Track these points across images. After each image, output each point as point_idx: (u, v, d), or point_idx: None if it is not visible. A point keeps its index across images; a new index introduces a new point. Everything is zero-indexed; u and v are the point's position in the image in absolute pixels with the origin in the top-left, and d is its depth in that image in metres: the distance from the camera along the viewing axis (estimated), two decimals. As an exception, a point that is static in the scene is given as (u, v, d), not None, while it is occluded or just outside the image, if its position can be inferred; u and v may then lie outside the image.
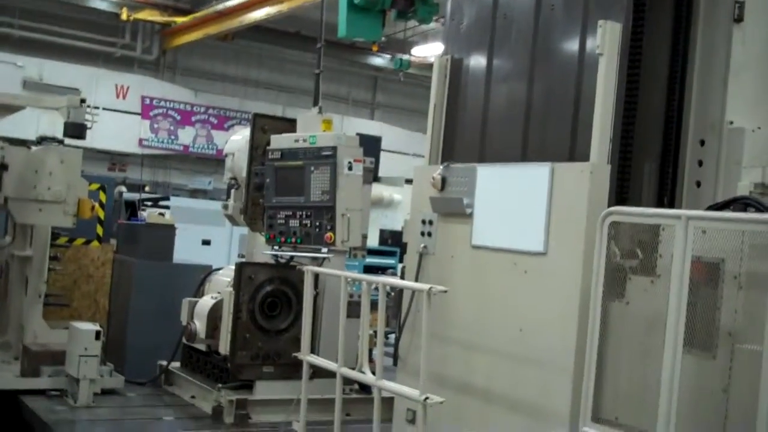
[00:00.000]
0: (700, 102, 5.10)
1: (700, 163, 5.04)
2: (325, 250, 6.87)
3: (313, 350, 6.22)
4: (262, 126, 7.58)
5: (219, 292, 7.47)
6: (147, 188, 19.62)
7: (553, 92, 5.45)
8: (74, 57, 22.46)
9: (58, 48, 22.36)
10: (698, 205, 4.81)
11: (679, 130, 5.15)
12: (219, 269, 8.16)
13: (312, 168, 6.88)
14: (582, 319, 4.54)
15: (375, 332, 5.44)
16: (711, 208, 4.41)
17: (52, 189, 7.54)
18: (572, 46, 5.35)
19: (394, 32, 20.99)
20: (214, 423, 6.85)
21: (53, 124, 11.12)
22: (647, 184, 5.14)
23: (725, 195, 4.72)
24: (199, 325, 7.44)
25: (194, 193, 22.90)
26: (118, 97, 22.96)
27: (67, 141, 8.04)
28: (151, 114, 23.49)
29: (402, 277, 6.54)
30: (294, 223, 7.00)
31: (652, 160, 5.17)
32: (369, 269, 13.47)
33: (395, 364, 6.07)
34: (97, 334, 6.98)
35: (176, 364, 7.92)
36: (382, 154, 18.76)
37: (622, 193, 5.03)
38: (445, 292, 4.72)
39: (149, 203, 14.80)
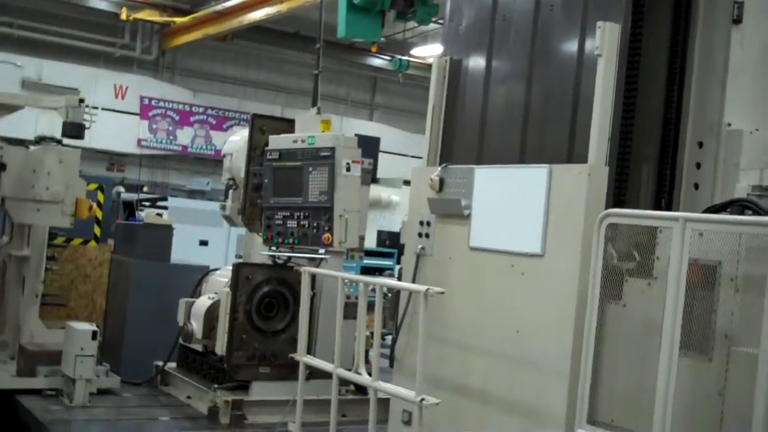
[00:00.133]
0: (699, 104, 5.09)
1: (698, 165, 5.04)
2: (322, 251, 6.85)
3: (310, 351, 6.22)
4: (261, 126, 7.57)
5: (216, 293, 7.46)
6: (145, 188, 19.61)
7: (552, 94, 5.45)
8: (73, 57, 22.43)
9: (57, 48, 22.34)
10: (696, 208, 4.80)
11: (677, 131, 5.15)
12: (216, 270, 8.16)
13: (310, 169, 6.87)
14: (579, 321, 4.54)
15: (372, 333, 5.42)
16: (708, 210, 4.41)
17: (51, 189, 7.53)
18: (571, 47, 5.35)
19: (394, 33, 20.98)
20: (210, 423, 6.83)
21: (52, 124, 11.09)
22: (645, 186, 5.14)
23: (723, 197, 4.72)
24: (196, 326, 7.43)
25: (192, 194, 22.90)
26: (116, 97, 22.92)
27: (66, 141, 8.03)
28: (150, 114, 23.46)
29: (399, 279, 6.53)
30: (292, 223, 6.99)
31: (650, 161, 5.17)
32: (366, 270, 13.48)
33: (392, 365, 6.06)
34: (94, 334, 6.97)
35: (172, 365, 7.91)
36: (381, 155, 18.80)
37: (619, 195, 5.03)
38: (442, 293, 4.71)
39: (147, 203, 14.79)
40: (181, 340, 7.65)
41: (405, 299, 5.95)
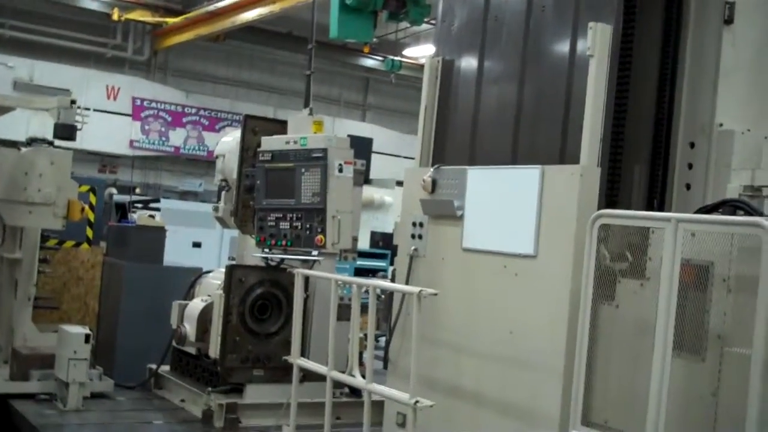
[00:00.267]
0: (690, 104, 5.10)
1: (690, 166, 5.05)
2: (315, 252, 6.84)
3: (303, 353, 6.20)
4: (253, 128, 7.55)
5: (209, 295, 7.44)
6: (137, 190, 19.57)
7: (544, 94, 5.45)
8: (65, 57, 22.39)
9: (49, 48, 22.28)
10: (688, 208, 4.81)
11: (669, 132, 5.17)
12: (209, 272, 8.13)
13: (302, 170, 6.85)
14: (572, 322, 4.54)
15: (365, 335, 5.42)
16: (700, 210, 4.41)
17: (42, 191, 7.50)
18: (563, 48, 5.35)
19: (386, 33, 20.98)
20: (204, 427, 6.82)
21: (43, 126, 11.04)
22: (637, 186, 5.15)
23: (715, 197, 4.73)
24: (189, 328, 7.41)
25: (185, 195, 22.86)
26: (108, 98, 22.87)
27: (57, 142, 8.00)
28: (142, 115, 23.42)
29: (392, 280, 6.53)
30: (284, 225, 6.97)
31: (642, 162, 5.18)
32: (360, 272, 13.45)
33: (385, 367, 6.06)
34: (87, 338, 6.94)
35: (166, 368, 7.89)
36: (374, 156, 18.80)
37: (612, 195, 5.04)
38: (435, 295, 4.72)
39: (139, 205, 14.77)
40: (174, 343, 7.63)
41: (398, 301, 5.95)
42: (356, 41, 16.54)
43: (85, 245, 9.94)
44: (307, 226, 6.80)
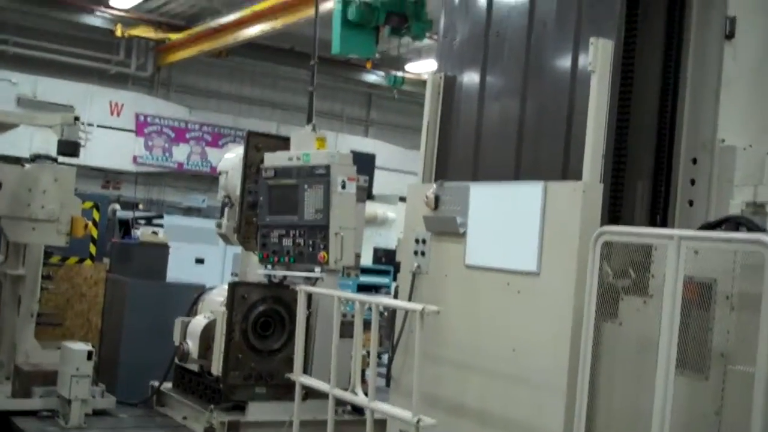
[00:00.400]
0: (692, 120, 5.10)
1: (693, 182, 5.04)
2: (318, 269, 6.83)
3: (306, 371, 6.18)
4: (256, 144, 7.55)
5: (212, 312, 7.42)
6: (141, 206, 19.57)
7: (546, 110, 5.45)
8: (68, 74, 22.45)
9: (53, 65, 22.35)
10: (691, 224, 4.80)
11: (671, 148, 5.15)
12: (212, 288, 8.12)
13: (305, 186, 6.85)
14: (575, 339, 4.52)
15: (368, 352, 5.40)
16: (703, 227, 4.40)
17: (46, 207, 7.50)
18: (564, 63, 5.36)
19: (388, 49, 21.02)
20: (206, 444, 6.80)
21: (47, 142, 11.05)
22: (640, 202, 5.14)
23: (717, 214, 4.72)
24: (192, 345, 7.38)
25: (188, 211, 22.84)
26: (112, 114, 22.93)
27: (61, 159, 8.01)
28: (146, 131, 23.46)
29: (395, 297, 6.51)
30: (287, 242, 6.96)
31: (645, 178, 5.17)
32: (363, 288, 13.41)
33: (388, 385, 6.04)
34: (89, 354, 6.92)
35: (168, 385, 7.86)
36: (377, 172, 18.75)
37: (614, 211, 5.03)
38: (438, 312, 4.70)
39: (143, 221, 14.77)
40: (177, 360, 7.60)
41: (401, 318, 5.93)
42: (359, 57, 16.57)
43: (88, 262, 9.94)
44: (310, 242, 6.79)
